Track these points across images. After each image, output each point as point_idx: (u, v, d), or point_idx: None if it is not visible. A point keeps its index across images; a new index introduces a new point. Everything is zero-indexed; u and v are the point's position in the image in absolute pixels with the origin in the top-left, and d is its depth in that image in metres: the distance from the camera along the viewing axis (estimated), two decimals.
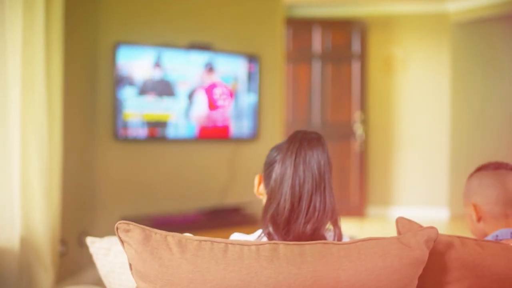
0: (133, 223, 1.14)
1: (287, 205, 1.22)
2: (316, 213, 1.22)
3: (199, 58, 4.17)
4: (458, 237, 1.24)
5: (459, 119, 5.72)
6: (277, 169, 1.27)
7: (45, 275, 3.04)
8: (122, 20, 3.93)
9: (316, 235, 1.22)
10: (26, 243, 2.98)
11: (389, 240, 1.13)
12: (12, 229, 2.84)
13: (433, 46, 5.68)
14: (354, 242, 1.13)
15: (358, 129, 5.63)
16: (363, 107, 5.65)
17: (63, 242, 3.49)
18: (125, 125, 3.86)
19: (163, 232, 1.13)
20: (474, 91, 5.75)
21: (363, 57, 5.63)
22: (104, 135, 3.87)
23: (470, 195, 1.59)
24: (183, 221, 3.89)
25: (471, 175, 1.60)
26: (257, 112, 4.44)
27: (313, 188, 1.23)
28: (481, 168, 1.59)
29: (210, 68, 4.23)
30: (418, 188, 5.74)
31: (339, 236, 1.27)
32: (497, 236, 1.49)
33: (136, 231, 1.12)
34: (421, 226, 1.25)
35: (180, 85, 4.09)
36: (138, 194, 4.02)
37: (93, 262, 3.90)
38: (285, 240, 1.23)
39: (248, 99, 4.38)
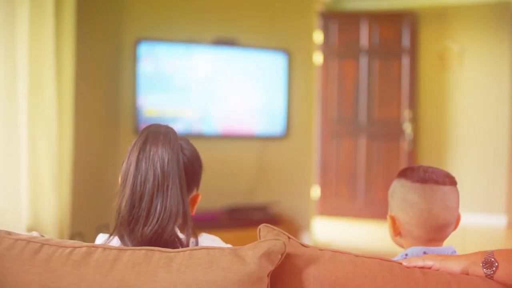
0: None
1: (128, 205, 1.11)
2: (157, 216, 1.09)
3: (224, 54, 4.10)
4: (322, 249, 1.07)
5: None
6: (124, 165, 1.16)
7: None
8: (145, 16, 3.95)
9: (158, 239, 1.10)
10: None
11: (224, 251, 0.99)
12: (19, 220, 2.92)
13: (492, 39, 5.21)
14: (184, 250, 1.01)
15: (407, 128, 5.30)
16: (413, 104, 5.31)
17: (81, 235, 3.56)
18: (147, 121, 3.87)
19: None
20: None
21: (413, 51, 5.29)
22: (125, 131, 3.91)
23: (391, 204, 1.38)
24: (201, 219, 3.84)
25: (398, 175, 1.36)
26: (287, 110, 4.29)
27: (154, 188, 1.10)
28: (408, 171, 1.34)
29: (236, 64, 4.15)
30: (473, 193, 5.30)
31: (187, 242, 1.14)
32: (406, 255, 1.29)
33: None
34: (288, 237, 1.09)
35: (205, 81, 4.04)
36: None
37: None
38: (131, 242, 1.12)
39: (277, 96, 4.25)
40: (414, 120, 5.32)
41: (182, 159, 1.17)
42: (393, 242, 1.40)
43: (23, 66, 2.84)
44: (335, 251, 1.07)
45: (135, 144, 1.14)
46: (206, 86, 4.05)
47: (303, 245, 1.08)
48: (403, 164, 5.34)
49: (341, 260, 1.04)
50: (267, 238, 1.02)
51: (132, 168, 1.12)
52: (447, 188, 1.29)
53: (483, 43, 5.27)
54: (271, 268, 0.98)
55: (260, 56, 4.20)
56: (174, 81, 3.95)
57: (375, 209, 5.42)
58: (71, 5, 3.14)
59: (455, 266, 1.11)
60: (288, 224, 4.31)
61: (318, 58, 5.45)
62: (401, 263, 1.09)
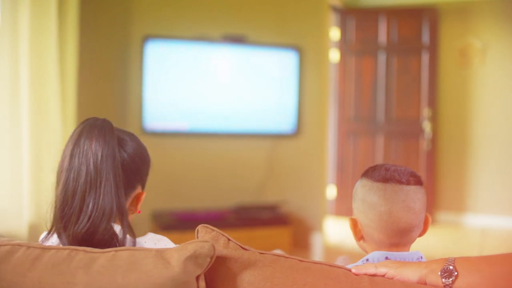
0: None
1: (60, 202, 1.06)
2: (88, 214, 1.04)
3: (233, 51, 4.04)
4: (264, 253, 1.00)
5: None
6: (60, 160, 1.10)
7: None
8: (152, 12, 3.92)
9: (91, 238, 1.04)
10: (35, 230, 3.06)
11: (149, 253, 0.93)
12: (20, 217, 2.93)
13: None
14: (109, 251, 0.95)
15: (426, 127, 5.14)
16: (432, 103, 5.15)
17: None
18: (153, 119, 3.84)
19: None
20: None
21: (433, 48, 5.13)
22: (132, 128, 3.88)
23: (353, 206, 1.27)
24: (208, 217, 3.80)
25: (361, 175, 1.26)
26: (298, 107, 4.21)
27: (86, 185, 1.05)
28: (370, 170, 1.24)
29: (245, 61, 4.09)
30: (496, 194, 5.10)
31: (122, 241, 1.08)
32: (367, 260, 1.19)
33: None
34: (228, 239, 1.02)
35: (214, 79, 3.99)
36: (169, 188, 3.99)
37: None
38: (67, 240, 1.06)
39: (288, 94, 4.17)
40: (434, 119, 5.16)
41: (119, 155, 1.11)
42: (358, 246, 1.31)
43: (25, 62, 2.85)
44: (279, 256, 1.00)
45: (70, 137, 1.09)
46: (215, 84, 4.00)
47: (243, 248, 1.01)
48: (422, 164, 5.19)
49: (282, 266, 0.97)
50: (201, 239, 0.96)
51: (66, 163, 1.07)
52: (410, 188, 1.18)
53: (506, 38, 5.06)
54: (199, 271, 0.92)
55: (270, 53, 4.13)
56: (182, 79, 3.91)
57: None
58: (75, 1, 3.14)
59: (411, 274, 1.01)
60: (298, 224, 4.23)
61: (334, 55, 5.34)
62: (350, 270, 1.01)
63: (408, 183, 1.18)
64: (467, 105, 5.23)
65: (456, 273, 0.98)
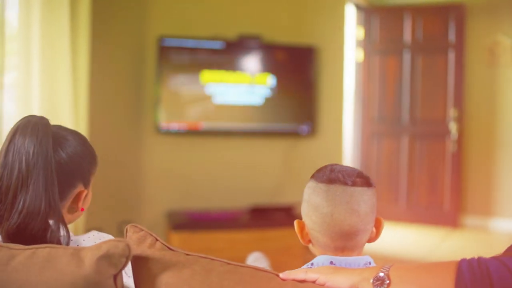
0: None
1: None
2: (19, 211, 1.05)
3: (249, 50, 4.03)
4: (190, 255, 0.98)
5: None
6: None
7: None
8: (167, 12, 3.95)
9: (23, 235, 1.05)
10: None
11: (66, 251, 0.93)
12: None
13: None
14: (30, 248, 0.96)
15: (452, 128, 4.99)
16: (459, 103, 4.99)
17: (100, 229, 3.61)
18: (169, 118, 3.87)
19: None
20: None
21: (460, 46, 4.97)
22: (147, 128, 3.93)
23: (301, 209, 1.24)
24: (222, 217, 3.80)
25: (310, 177, 1.22)
26: (316, 107, 4.16)
27: (18, 181, 1.06)
28: (317, 171, 1.19)
29: (260, 61, 4.07)
30: None
31: (55, 240, 1.08)
32: (312, 264, 1.15)
33: None
34: (156, 239, 1.01)
35: (227, 78, 3.99)
36: (184, 188, 4.02)
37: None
38: (1, 235, 1.08)
39: (304, 93, 4.13)
40: (460, 120, 5.00)
41: (55, 153, 1.12)
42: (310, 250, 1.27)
43: (37, 60, 2.92)
44: (205, 257, 0.98)
45: (7, 134, 1.11)
46: (229, 83, 3.99)
47: (170, 249, 0.99)
48: (448, 166, 5.04)
49: (203, 268, 0.94)
50: (116, 239, 0.95)
51: (1, 159, 1.09)
52: (355, 190, 1.13)
53: None
54: (113, 271, 0.91)
55: (286, 52, 4.10)
56: (197, 78, 3.92)
57: (418, 213, 5.15)
58: (87, 0, 3.19)
59: (343, 282, 0.97)
60: None
61: (358, 54, 5.26)
62: (277, 275, 0.98)
63: (353, 184, 1.13)
64: (495, 105, 5.05)
65: (388, 281, 0.94)
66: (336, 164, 1.18)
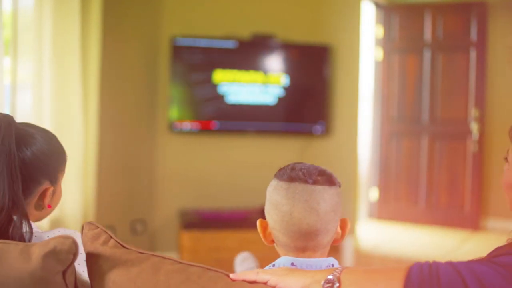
0: None
1: None
2: None
3: (262, 50, 4.02)
4: (143, 253, 0.98)
5: None
6: None
7: None
8: (180, 11, 3.97)
9: None
10: (56, 224, 3.19)
11: (17, 246, 0.95)
12: None
13: None
14: None
15: (473, 128, 4.87)
16: (480, 102, 4.87)
17: (112, 228, 3.66)
18: (182, 118, 3.89)
19: None
20: None
21: (482, 45, 4.84)
22: (161, 127, 3.96)
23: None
24: (232, 217, 3.80)
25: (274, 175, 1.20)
26: (329, 107, 4.12)
27: None
28: (280, 169, 1.17)
29: (274, 60, 4.05)
30: None
31: (17, 236, 1.09)
32: (273, 265, 1.14)
33: None
34: (110, 236, 1.02)
35: (240, 77, 3.99)
36: (196, 187, 4.03)
37: (144, 250, 4.07)
38: None
39: (318, 93, 4.09)
40: (481, 120, 4.88)
41: (15, 150, 1.13)
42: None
43: (48, 61, 2.97)
44: (157, 256, 0.97)
45: None
46: (243, 83, 3.99)
47: (123, 247, 0.99)
48: (468, 167, 4.92)
49: (151, 267, 0.94)
50: (63, 236, 0.95)
51: None
52: (316, 188, 1.10)
53: None
54: (60, 268, 0.92)
55: (300, 51, 4.07)
56: (209, 79, 3.93)
57: (438, 214, 5.05)
58: (97, 9, 3.22)
59: (294, 284, 0.95)
60: None
61: (377, 53, 5.19)
62: (228, 275, 0.97)
63: (314, 182, 1.11)
64: None
65: (338, 284, 0.93)
66: (299, 163, 1.16)
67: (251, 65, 4.00)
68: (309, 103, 4.11)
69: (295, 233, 1.11)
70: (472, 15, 4.86)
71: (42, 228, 3.15)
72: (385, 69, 5.21)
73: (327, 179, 1.13)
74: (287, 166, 1.16)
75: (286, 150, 4.17)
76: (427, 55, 5.05)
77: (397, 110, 5.21)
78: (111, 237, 1.01)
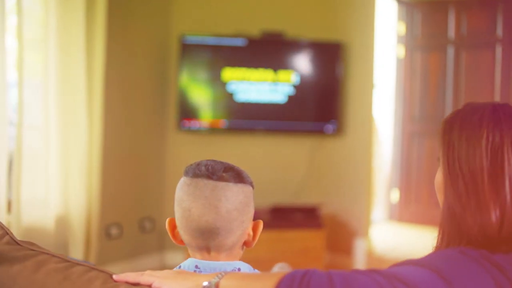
0: None
1: None
2: None
3: (271, 47, 3.97)
4: (35, 250, 0.96)
5: None
6: None
7: (77, 255, 3.27)
8: (189, 9, 3.97)
9: None
10: (62, 221, 3.24)
11: None
12: (47, 209, 3.11)
13: None
14: None
15: None
16: (506, 101, 4.65)
17: (119, 225, 3.70)
18: (191, 116, 3.89)
19: None
20: None
21: (508, 42, 4.63)
22: (169, 125, 3.97)
23: None
24: None
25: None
26: (341, 105, 4.03)
27: None
28: (186, 167, 1.13)
29: (284, 57, 3.99)
30: None
31: None
32: (180, 267, 1.10)
33: None
34: (5, 234, 1.00)
35: (249, 75, 3.95)
36: None
37: (152, 247, 4.06)
38: None
39: (330, 91, 4.01)
40: None
41: None
42: None
43: (53, 56, 3.03)
44: (46, 253, 0.96)
45: None
46: (252, 81, 3.95)
47: (17, 243, 0.98)
48: None
49: (34, 264, 0.92)
50: None
51: None
52: (219, 185, 1.06)
53: None
54: None
55: (310, 49, 4.00)
56: (218, 77, 3.91)
57: None
58: (102, 7, 3.25)
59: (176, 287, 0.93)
60: (340, 228, 4.06)
61: (399, 51, 5.05)
62: (111, 276, 0.94)
63: (219, 179, 1.06)
64: None
65: None
66: (209, 160, 1.12)
67: (261, 63, 3.96)
68: (321, 101, 4.04)
69: (194, 231, 1.07)
70: (498, 11, 4.65)
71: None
72: (407, 67, 5.06)
73: (234, 175, 1.09)
74: (195, 163, 1.12)
75: (297, 149, 4.11)
76: (450, 52, 4.87)
77: (419, 109, 5.05)
78: (7, 233, 1.00)
